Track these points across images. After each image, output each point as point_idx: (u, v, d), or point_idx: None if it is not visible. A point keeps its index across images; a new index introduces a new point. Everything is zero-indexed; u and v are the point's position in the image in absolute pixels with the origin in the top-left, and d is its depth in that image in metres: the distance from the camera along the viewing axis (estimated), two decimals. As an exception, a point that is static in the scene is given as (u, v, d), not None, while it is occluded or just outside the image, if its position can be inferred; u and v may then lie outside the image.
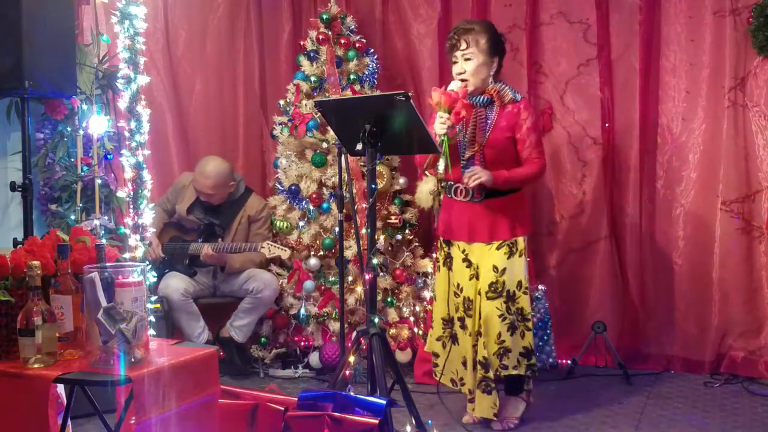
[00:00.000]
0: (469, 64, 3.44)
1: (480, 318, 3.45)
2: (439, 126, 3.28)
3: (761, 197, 4.32)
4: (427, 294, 4.54)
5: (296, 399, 2.66)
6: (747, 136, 4.32)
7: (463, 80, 3.43)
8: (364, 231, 3.33)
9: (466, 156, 3.46)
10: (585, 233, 4.68)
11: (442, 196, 4.00)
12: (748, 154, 4.33)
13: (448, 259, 3.61)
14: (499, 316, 3.42)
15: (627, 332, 4.61)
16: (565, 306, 4.73)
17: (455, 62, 3.48)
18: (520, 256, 3.47)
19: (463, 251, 3.53)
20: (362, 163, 4.24)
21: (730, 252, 4.36)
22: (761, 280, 4.33)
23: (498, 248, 3.46)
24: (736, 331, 4.39)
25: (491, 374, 3.43)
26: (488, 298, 3.43)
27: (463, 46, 3.43)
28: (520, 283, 3.46)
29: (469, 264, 3.51)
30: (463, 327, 3.52)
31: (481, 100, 3.47)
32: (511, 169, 3.45)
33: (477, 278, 3.49)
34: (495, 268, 3.44)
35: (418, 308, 4.56)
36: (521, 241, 3.49)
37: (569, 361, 4.52)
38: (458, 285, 3.54)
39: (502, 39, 3.53)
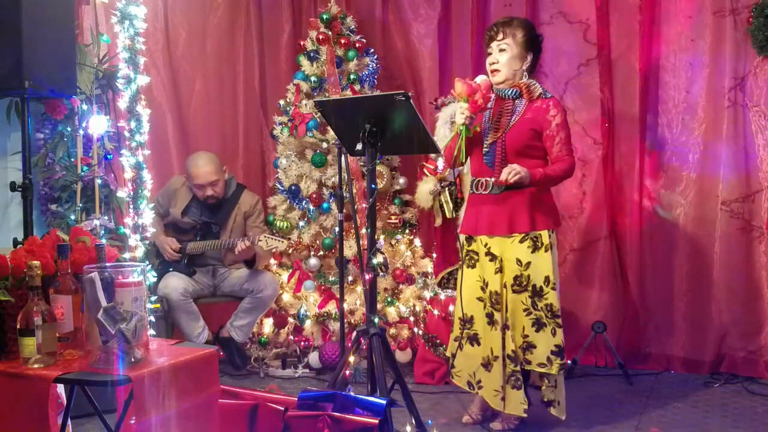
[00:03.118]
0: (503, 55, 3.45)
1: (507, 311, 3.43)
2: (458, 115, 3.32)
3: (761, 197, 4.32)
4: (427, 294, 4.54)
5: (296, 399, 2.66)
6: (747, 136, 4.33)
7: (495, 70, 3.45)
8: (364, 231, 3.32)
9: (488, 142, 3.46)
10: (585, 233, 4.68)
11: (447, 194, 3.99)
12: (748, 154, 4.33)
13: (468, 256, 3.56)
14: (524, 311, 3.41)
15: (627, 332, 4.61)
16: (565, 306, 4.71)
17: (489, 53, 3.50)
18: (546, 251, 3.40)
19: (486, 245, 3.49)
20: (362, 163, 4.25)
21: (730, 252, 4.37)
22: (761, 280, 4.33)
23: (521, 241, 3.41)
24: (736, 331, 4.39)
25: (518, 368, 3.40)
26: (513, 291, 3.42)
27: (500, 36, 3.45)
28: (547, 279, 3.39)
29: (493, 258, 3.47)
30: (492, 323, 3.45)
31: (511, 92, 3.47)
32: (547, 167, 3.39)
33: (501, 271, 3.45)
34: (519, 261, 3.41)
35: (418, 308, 4.56)
36: (546, 235, 3.42)
37: (569, 361, 4.51)
38: (484, 280, 3.50)
39: (539, 38, 3.53)
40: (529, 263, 3.40)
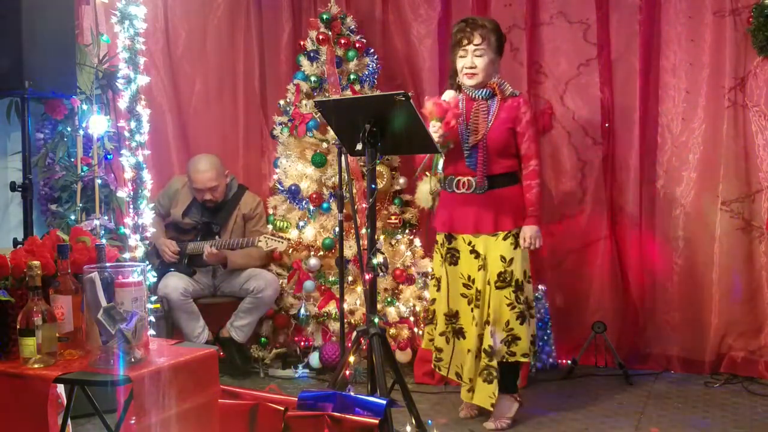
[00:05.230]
0: (480, 60, 3.51)
1: (488, 307, 3.51)
2: (432, 134, 3.35)
3: (761, 197, 4.32)
4: (427, 294, 4.54)
5: (296, 399, 2.66)
6: (747, 136, 4.32)
7: (473, 74, 3.51)
8: (364, 231, 3.33)
9: (469, 144, 3.53)
10: (585, 233, 4.68)
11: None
12: (748, 154, 4.33)
13: (449, 254, 3.63)
14: (508, 305, 3.50)
15: (627, 332, 4.61)
16: (565, 306, 4.72)
17: (463, 56, 3.53)
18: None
19: (470, 243, 3.58)
20: (362, 163, 4.24)
21: (730, 252, 4.36)
22: (761, 280, 4.33)
23: (504, 239, 3.53)
24: (736, 331, 4.39)
25: (494, 363, 3.47)
26: (497, 288, 3.50)
27: (478, 40, 3.50)
28: (525, 273, 3.55)
29: (477, 255, 3.56)
30: (472, 318, 3.55)
31: (484, 93, 3.55)
32: (530, 201, 3.52)
33: (485, 269, 3.54)
34: (503, 258, 3.51)
35: (418, 308, 4.56)
36: None
37: (569, 361, 4.53)
38: (469, 276, 3.58)
39: (504, 39, 3.64)
40: (512, 259, 3.51)
